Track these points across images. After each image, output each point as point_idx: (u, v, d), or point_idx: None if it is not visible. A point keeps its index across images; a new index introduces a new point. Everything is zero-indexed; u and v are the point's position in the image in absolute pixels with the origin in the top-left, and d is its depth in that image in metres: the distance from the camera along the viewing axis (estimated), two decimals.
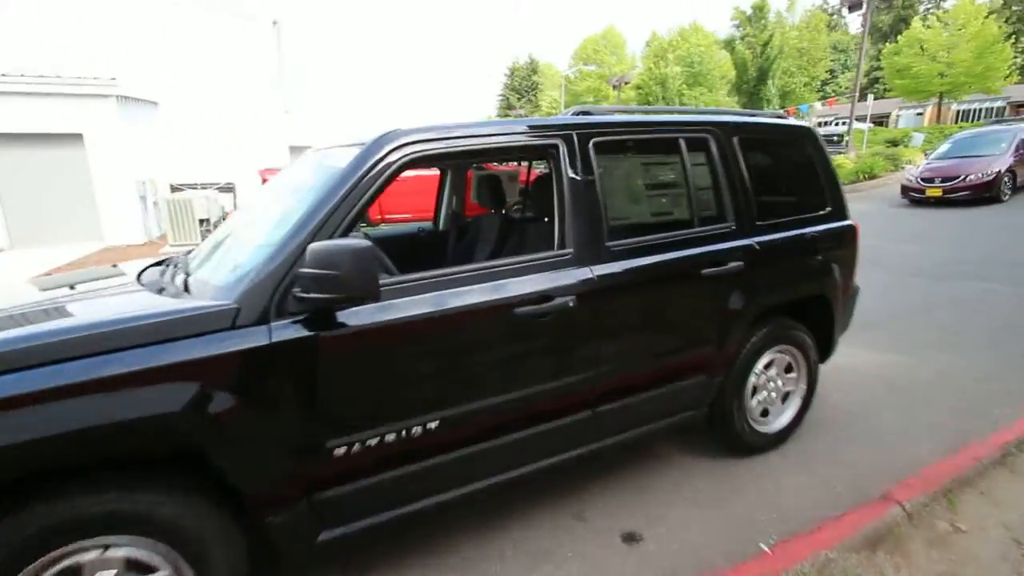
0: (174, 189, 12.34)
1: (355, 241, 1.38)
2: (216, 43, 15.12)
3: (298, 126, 17.18)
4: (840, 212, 2.66)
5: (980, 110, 32.29)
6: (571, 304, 1.81)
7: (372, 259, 1.38)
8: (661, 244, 2.07)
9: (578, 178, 1.89)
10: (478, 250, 2.97)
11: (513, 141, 1.87)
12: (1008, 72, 25.99)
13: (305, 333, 1.47)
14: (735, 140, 2.31)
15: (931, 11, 35.70)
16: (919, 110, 32.91)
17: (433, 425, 1.69)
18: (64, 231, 10.95)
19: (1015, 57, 26.42)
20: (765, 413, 2.60)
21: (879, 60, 30.76)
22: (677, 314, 2.15)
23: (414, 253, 3.14)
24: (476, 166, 5.71)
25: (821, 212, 2.59)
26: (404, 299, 1.61)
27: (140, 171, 11.64)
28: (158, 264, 2.07)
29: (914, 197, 10.26)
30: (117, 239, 11.06)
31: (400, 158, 1.64)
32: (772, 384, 2.57)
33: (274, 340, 1.42)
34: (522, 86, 49.41)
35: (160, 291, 1.65)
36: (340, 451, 1.56)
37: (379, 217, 9.99)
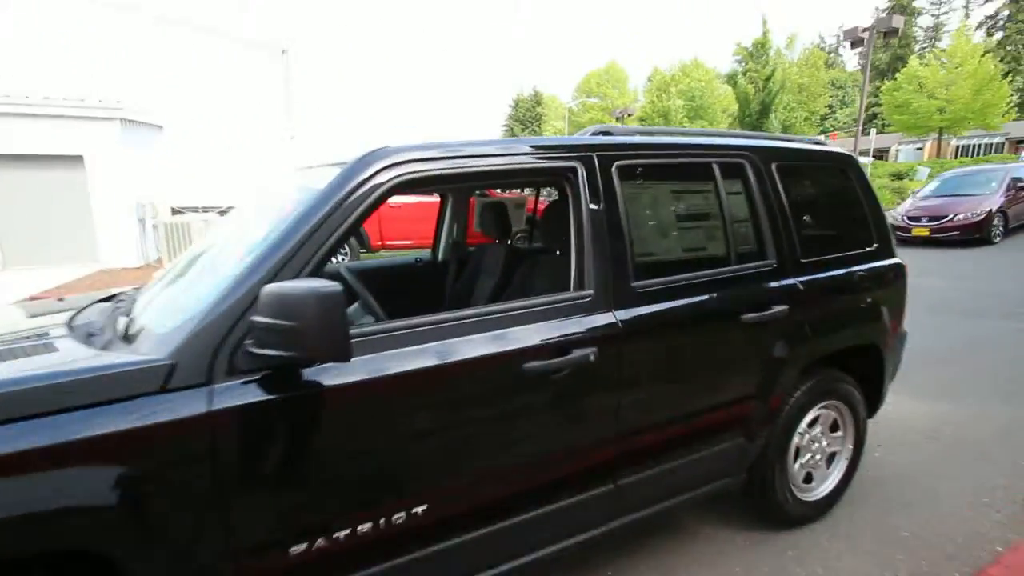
0: (175, 212, 12.20)
1: (320, 284, 1.08)
2: (225, 69, 15.32)
3: (303, 152, 17.22)
4: (887, 249, 2.37)
5: (980, 146, 32.54)
6: (592, 358, 1.50)
7: (340, 307, 1.08)
8: (695, 285, 1.77)
9: (600, 207, 1.61)
10: (481, 285, 2.67)
11: (522, 163, 1.59)
12: (1007, 109, 26.26)
13: (260, 397, 1.15)
14: (773, 167, 2.04)
15: (926, 50, 36.58)
16: (919, 145, 33.20)
17: (420, 509, 1.35)
18: (59, 253, 10.77)
19: (1012, 95, 26.80)
20: (808, 478, 2.25)
21: (877, 96, 31.23)
22: (714, 367, 1.83)
23: (409, 287, 2.85)
24: (480, 193, 5.47)
25: (868, 249, 2.30)
26: (391, 351, 1.30)
27: (141, 194, 11.54)
28: (107, 300, 1.78)
29: (900, 237, 9.73)
30: (113, 262, 10.86)
31: (389, 180, 1.36)
32: (817, 445, 2.23)
33: (215, 407, 1.10)
34: (526, 117, 50.26)
35: (89, 338, 1.35)
36: (300, 548, 1.22)
37: (379, 243, 9.79)
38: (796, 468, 2.17)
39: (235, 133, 15.05)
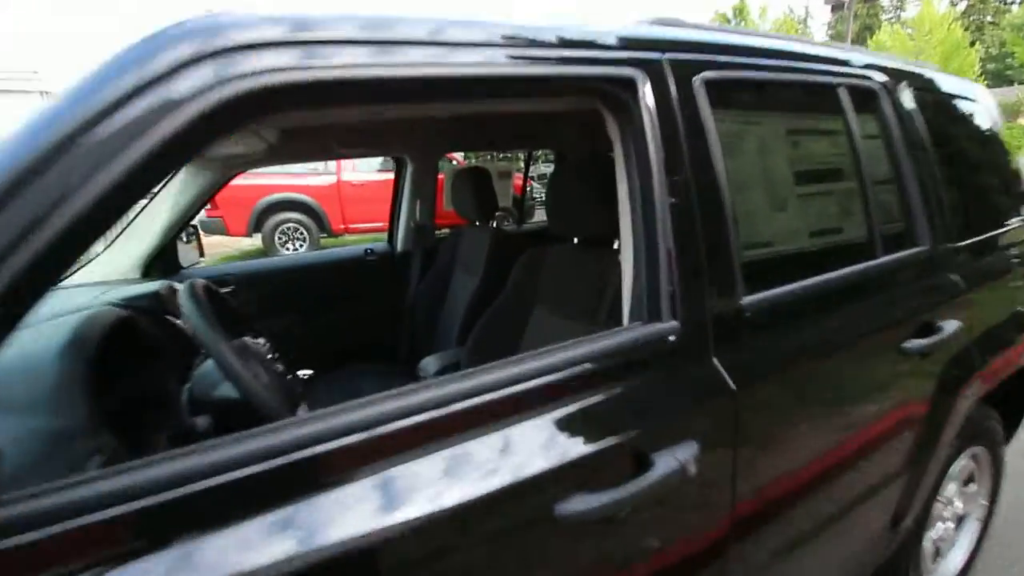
0: None
1: None
2: None
3: None
4: None
5: None
6: (692, 468, 0.73)
7: None
8: (832, 294, 1.02)
9: (682, 160, 0.83)
10: (456, 286, 1.88)
11: (528, 67, 0.77)
12: (975, 77, 26.53)
13: None
14: (910, 98, 1.29)
15: (893, 20, 36.78)
16: None
17: None
18: None
19: (977, 63, 27.08)
20: (936, 554, 1.58)
21: None
22: (858, 435, 1.09)
23: (355, 292, 2.04)
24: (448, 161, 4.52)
25: (1016, 223, 1.60)
26: (243, 529, 0.52)
27: None
28: None
29: None
30: None
31: (220, 86, 0.54)
32: (948, 509, 1.56)
33: None
34: None
35: None
36: None
37: (342, 227, 8.71)
38: (927, 545, 1.50)
39: None
